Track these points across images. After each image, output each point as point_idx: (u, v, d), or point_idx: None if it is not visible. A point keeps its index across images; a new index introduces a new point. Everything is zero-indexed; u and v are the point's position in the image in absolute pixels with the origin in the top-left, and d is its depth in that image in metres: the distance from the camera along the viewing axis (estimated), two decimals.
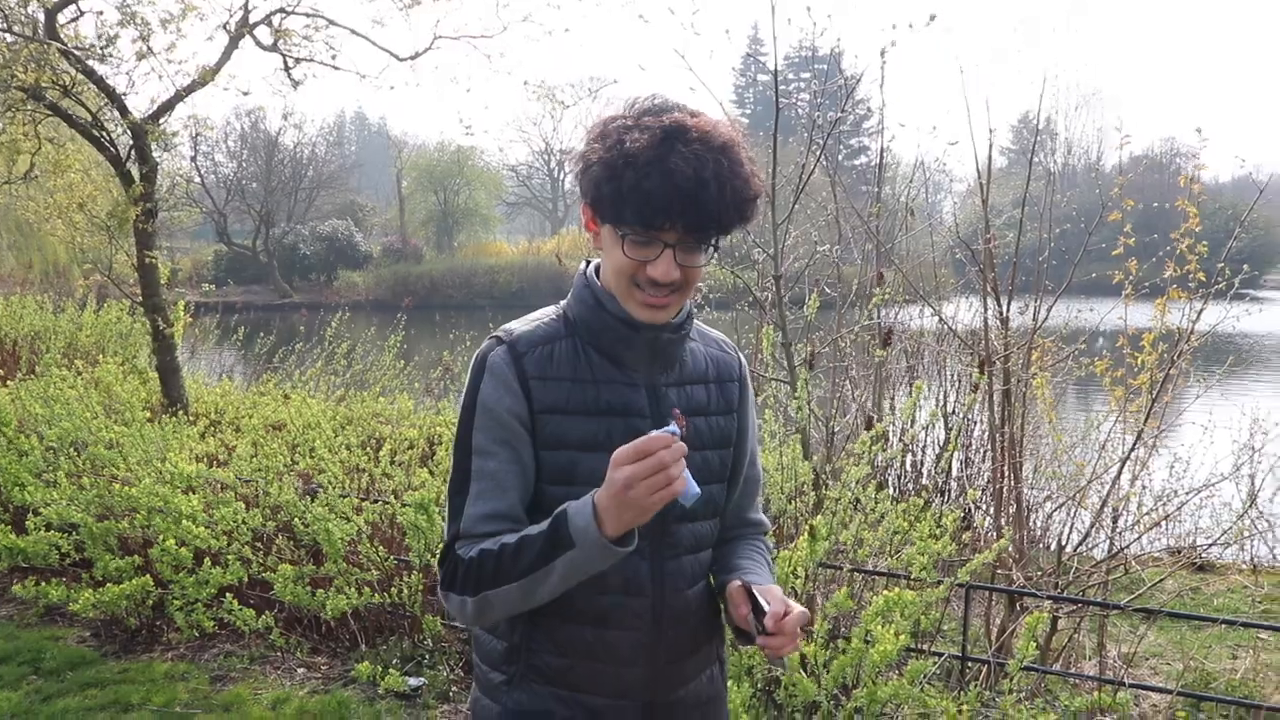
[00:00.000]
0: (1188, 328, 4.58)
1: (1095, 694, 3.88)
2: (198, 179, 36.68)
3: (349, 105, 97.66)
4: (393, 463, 5.69)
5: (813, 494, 4.77)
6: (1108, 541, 4.93)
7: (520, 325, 1.82)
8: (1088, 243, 4.88)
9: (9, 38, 7.62)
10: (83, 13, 8.21)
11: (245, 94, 18.96)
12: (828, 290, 6.09)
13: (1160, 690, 4.34)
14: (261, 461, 5.52)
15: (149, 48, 7.80)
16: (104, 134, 8.07)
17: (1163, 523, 6.27)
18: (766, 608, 1.67)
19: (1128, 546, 4.96)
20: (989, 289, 4.99)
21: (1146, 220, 5.16)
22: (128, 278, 9.68)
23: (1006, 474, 5.01)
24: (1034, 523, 5.87)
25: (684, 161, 1.60)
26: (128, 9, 7.73)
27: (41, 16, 7.71)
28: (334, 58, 8.76)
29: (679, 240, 1.67)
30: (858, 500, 4.25)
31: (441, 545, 1.80)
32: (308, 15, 8.59)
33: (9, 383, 8.05)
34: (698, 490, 1.55)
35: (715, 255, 1.79)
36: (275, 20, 8.62)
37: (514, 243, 50.52)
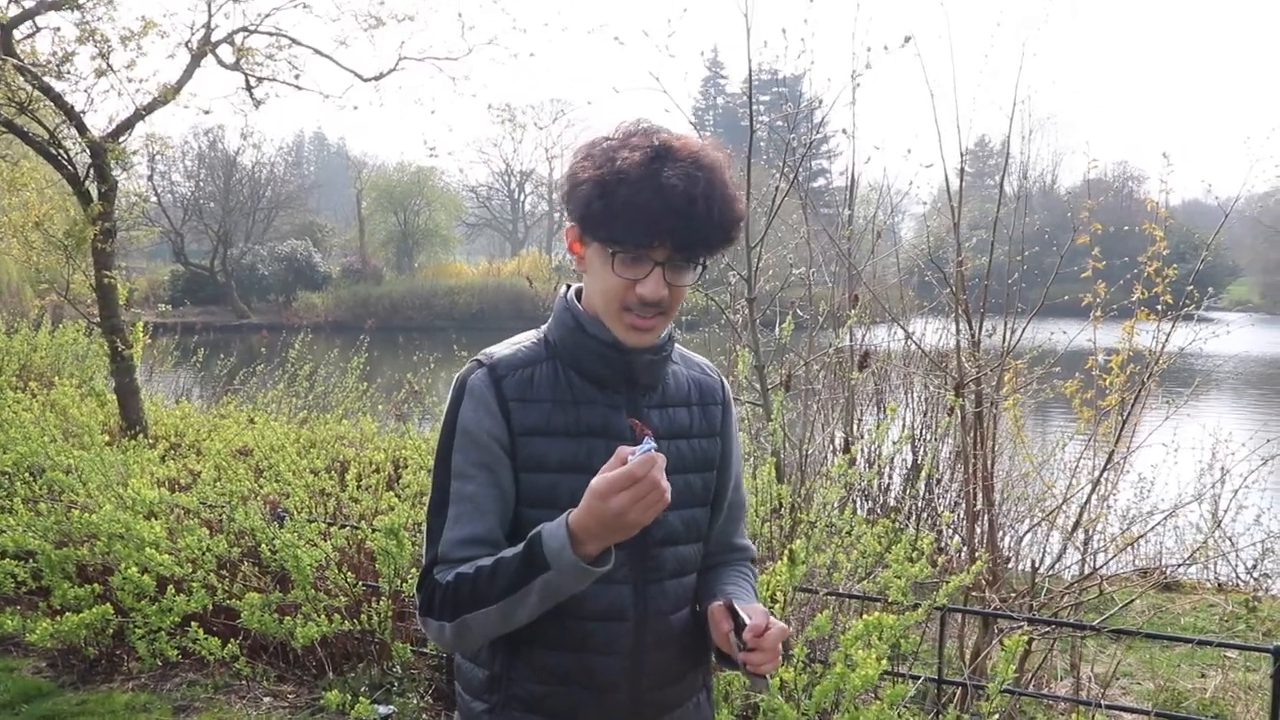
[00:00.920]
0: (1157, 350, 4.63)
1: (1070, 715, 3.88)
2: (154, 198, 36.22)
3: (308, 125, 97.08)
4: (359, 487, 5.60)
5: (789, 517, 4.76)
6: (1080, 562, 4.96)
7: (501, 349, 1.82)
8: (1060, 265, 4.93)
9: None
10: (39, 29, 8.09)
11: (206, 112, 18.84)
12: (799, 313, 6.10)
13: (1136, 711, 4.36)
14: (226, 486, 5.41)
15: (109, 65, 7.73)
16: (61, 152, 7.94)
17: (1134, 544, 6.33)
18: (748, 621, 1.66)
19: (1101, 567, 4.99)
20: (960, 311, 5.02)
21: (1103, 242, 5.23)
22: (85, 298, 9.51)
23: (979, 496, 5.02)
24: (1005, 544, 5.89)
25: (675, 179, 1.60)
26: (87, 26, 7.64)
27: None
28: (297, 77, 8.76)
29: (668, 259, 1.67)
30: (832, 523, 4.24)
31: (419, 570, 1.78)
32: (271, 34, 8.58)
33: None
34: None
35: (703, 275, 1.79)
36: (238, 39, 8.59)
37: (474, 264, 50.31)
